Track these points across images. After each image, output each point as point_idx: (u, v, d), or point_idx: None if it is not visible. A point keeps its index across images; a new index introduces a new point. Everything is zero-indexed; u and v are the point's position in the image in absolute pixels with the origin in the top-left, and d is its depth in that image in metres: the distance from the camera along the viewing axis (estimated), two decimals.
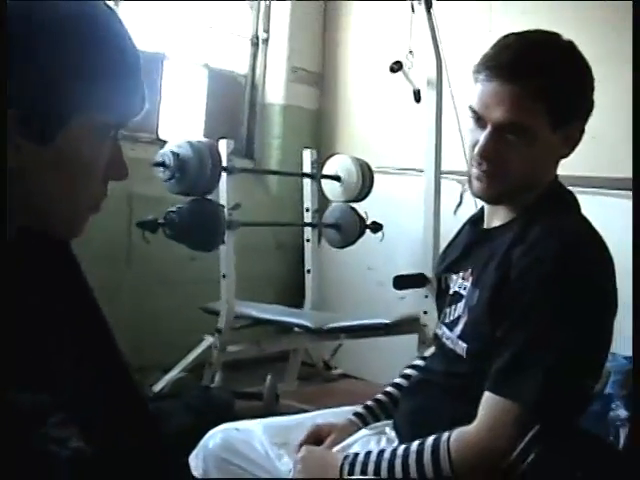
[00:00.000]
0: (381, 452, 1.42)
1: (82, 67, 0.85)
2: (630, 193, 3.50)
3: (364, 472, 1.40)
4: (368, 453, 1.44)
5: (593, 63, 1.44)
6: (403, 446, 1.41)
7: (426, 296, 3.54)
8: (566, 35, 1.46)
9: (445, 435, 1.36)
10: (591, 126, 1.48)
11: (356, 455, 1.44)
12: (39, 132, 0.84)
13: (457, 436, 1.35)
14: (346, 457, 1.44)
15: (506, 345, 1.34)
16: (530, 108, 1.38)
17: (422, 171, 3.87)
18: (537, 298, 1.33)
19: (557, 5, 3.94)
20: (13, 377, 0.85)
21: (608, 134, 3.26)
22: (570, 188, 1.54)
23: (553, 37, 1.44)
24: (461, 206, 4.31)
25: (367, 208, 4.09)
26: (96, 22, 0.87)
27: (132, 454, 1.01)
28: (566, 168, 1.56)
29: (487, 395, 1.34)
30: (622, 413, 2.59)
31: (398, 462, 1.37)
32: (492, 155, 1.42)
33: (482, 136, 1.42)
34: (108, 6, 0.89)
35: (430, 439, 1.37)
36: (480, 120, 1.43)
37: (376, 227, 4.05)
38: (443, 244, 3.55)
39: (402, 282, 3.48)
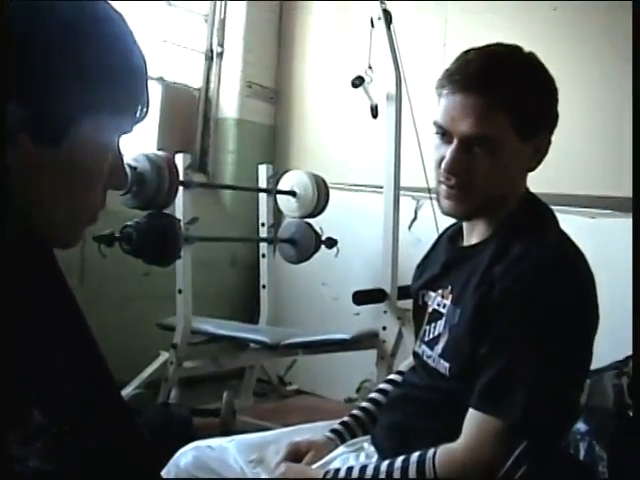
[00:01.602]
0: (363, 468, 1.40)
1: (93, 70, 0.83)
2: (592, 210, 3.60)
3: None
4: (350, 469, 1.41)
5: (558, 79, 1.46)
6: (386, 462, 1.39)
7: (385, 312, 3.53)
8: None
9: (430, 452, 1.34)
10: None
11: (337, 471, 1.42)
12: (47, 135, 0.82)
13: (442, 452, 1.33)
14: (327, 473, 1.42)
15: (490, 362, 1.34)
16: (496, 120, 1.37)
17: (377, 187, 3.89)
18: (520, 315, 1.32)
19: (512, 20, 4.01)
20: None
21: (570, 151, 3.32)
22: None
23: (515, 50, 1.45)
24: (416, 222, 4.33)
25: (320, 224, 4.09)
26: (107, 25, 0.85)
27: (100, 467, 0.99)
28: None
29: (471, 412, 1.33)
30: (582, 427, 2.61)
31: (382, 478, 1.36)
32: (460, 169, 1.41)
33: (449, 151, 1.41)
34: (116, 10, 0.87)
35: (415, 455, 1.35)
36: (445, 135, 1.42)
37: (331, 243, 4.04)
38: (400, 260, 3.61)
39: (361, 297, 3.47)
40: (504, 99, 1.37)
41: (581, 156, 3.73)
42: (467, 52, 1.44)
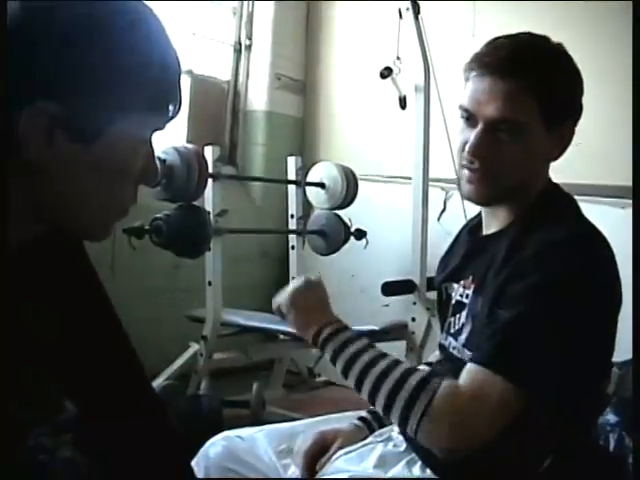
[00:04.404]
0: (359, 352, 1.43)
1: (127, 68, 0.84)
2: (622, 200, 3.57)
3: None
4: (346, 343, 1.46)
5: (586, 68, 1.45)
6: (386, 362, 1.39)
7: (414, 303, 3.53)
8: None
9: (435, 381, 1.30)
10: None
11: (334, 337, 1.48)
12: (83, 132, 0.83)
13: (447, 389, 1.29)
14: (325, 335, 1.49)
15: (496, 321, 1.31)
16: (523, 105, 1.36)
17: (406, 178, 3.89)
18: (533, 285, 1.30)
19: (541, 10, 3.98)
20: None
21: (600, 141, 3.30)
22: None
23: (544, 39, 1.45)
24: (445, 213, 4.32)
25: (349, 215, 4.09)
26: (140, 23, 0.86)
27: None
28: None
29: (469, 365, 1.31)
30: (612, 418, 2.59)
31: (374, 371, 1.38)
32: (484, 152, 1.39)
33: (473, 133, 1.40)
34: (150, 9, 0.88)
35: (418, 375, 1.33)
36: (471, 119, 1.41)
37: (360, 234, 4.04)
38: (429, 251, 3.60)
39: (390, 289, 3.48)
40: (532, 85, 1.36)
41: (611, 146, 3.70)
42: (497, 38, 1.44)
